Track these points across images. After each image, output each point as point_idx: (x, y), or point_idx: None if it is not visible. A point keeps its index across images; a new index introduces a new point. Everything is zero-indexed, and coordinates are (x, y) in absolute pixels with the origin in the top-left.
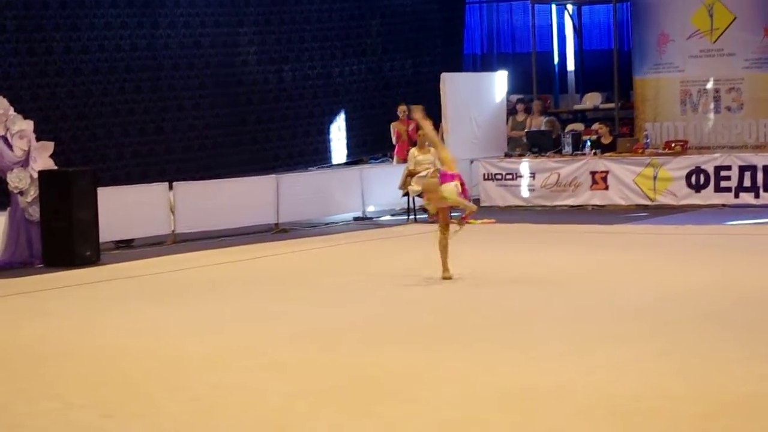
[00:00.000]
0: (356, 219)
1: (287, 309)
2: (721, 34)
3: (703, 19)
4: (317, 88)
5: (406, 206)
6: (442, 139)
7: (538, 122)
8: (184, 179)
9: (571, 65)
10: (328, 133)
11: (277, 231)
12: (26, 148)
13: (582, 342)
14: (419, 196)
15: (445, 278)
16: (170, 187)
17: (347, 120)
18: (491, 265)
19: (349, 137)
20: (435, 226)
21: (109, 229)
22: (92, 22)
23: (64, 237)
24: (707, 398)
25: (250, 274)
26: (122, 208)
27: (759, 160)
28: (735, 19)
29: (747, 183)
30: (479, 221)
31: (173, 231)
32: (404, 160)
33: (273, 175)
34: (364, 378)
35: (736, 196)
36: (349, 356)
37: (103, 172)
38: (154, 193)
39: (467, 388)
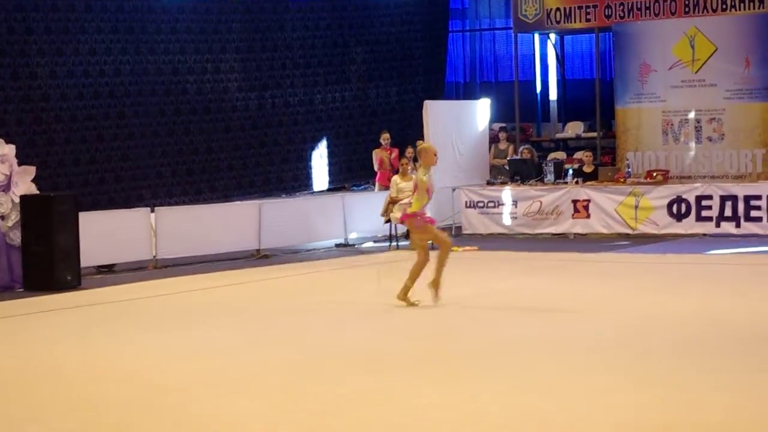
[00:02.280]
0: (338, 245)
1: (269, 335)
2: (703, 64)
3: (685, 50)
4: (298, 115)
5: (388, 233)
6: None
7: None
8: (163, 205)
9: (553, 94)
10: (309, 160)
11: (259, 257)
12: (8, 173)
13: (563, 371)
14: (401, 222)
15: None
16: (152, 212)
17: (329, 147)
18: (473, 292)
19: (331, 164)
20: (414, 253)
21: (91, 254)
22: (77, 47)
23: (45, 261)
24: (687, 428)
25: (232, 300)
26: (104, 232)
27: (740, 190)
28: (716, 50)
29: (728, 213)
30: (462, 248)
31: (155, 256)
32: (386, 187)
33: (255, 201)
34: (344, 405)
35: (717, 225)
36: (330, 384)
37: (84, 197)
38: (135, 218)
39: (448, 417)
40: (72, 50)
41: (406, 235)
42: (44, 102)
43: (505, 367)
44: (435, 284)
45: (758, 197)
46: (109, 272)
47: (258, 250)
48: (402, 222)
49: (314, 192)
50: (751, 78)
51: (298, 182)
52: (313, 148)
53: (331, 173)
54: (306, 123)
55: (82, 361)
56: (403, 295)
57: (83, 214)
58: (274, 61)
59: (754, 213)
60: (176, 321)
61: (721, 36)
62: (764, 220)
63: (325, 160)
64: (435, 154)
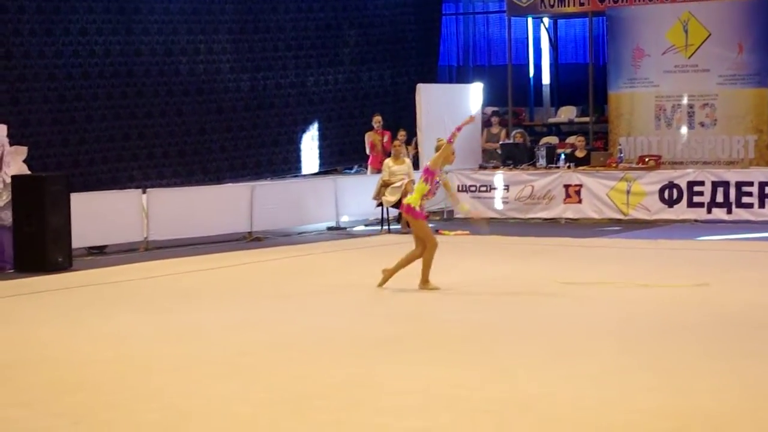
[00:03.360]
0: (330, 229)
1: (259, 318)
2: (696, 50)
3: (679, 35)
4: (290, 97)
5: (379, 216)
6: (417, 150)
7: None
8: (153, 186)
9: (546, 78)
10: (299, 142)
11: (251, 239)
12: None
13: (551, 355)
14: (394, 206)
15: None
16: (144, 194)
17: (322, 130)
18: (463, 277)
19: (323, 147)
20: (406, 237)
21: (82, 235)
22: (67, 27)
23: (37, 242)
24: (677, 413)
25: (223, 282)
26: (95, 214)
27: (732, 176)
28: (710, 35)
29: (720, 199)
30: (453, 233)
31: (146, 238)
32: (378, 171)
33: (247, 183)
34: (331, 388)
35: (709, 211)
36: (318, 366)
37: (74, 177)
38: (127, 199)
39: (433, 399)
40: (62, 30)
41: (398, 219)
42: (36, 82)
43: (492, 351)
44: (425, 283)
45: (750, 183)
46: (100, 253)
47: (250, 233)
48: (407, 213)
49: (306, 175)
50: (744, 63)
51: (289, 165)
52: (304, 131)
53: (323, 156)
54: (298, 105)
55: (72, 343)
56: (384, 281)
57: (75, 195)
58: (267, 43)
59: (745, 199)
60: (167, 303)
61: (715, 21)
62: (755, 206)
63: (317, 143)
64: (453, 152)
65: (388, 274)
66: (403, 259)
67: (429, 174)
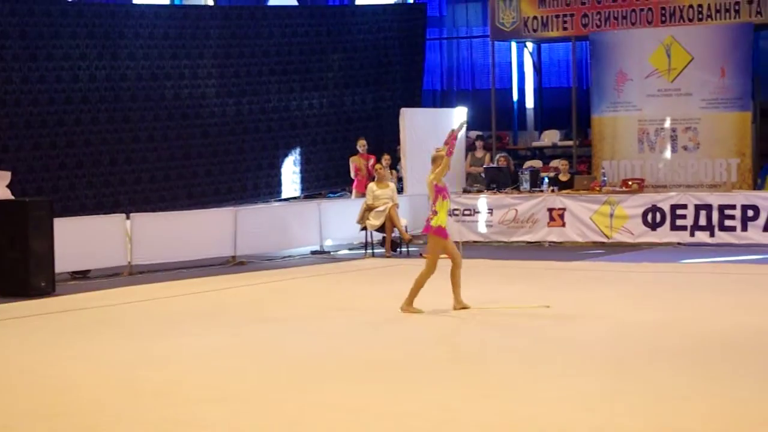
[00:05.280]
0: (314, 253)
1: (242, 342)
2: (679, 74)
3: (661, 59)
4: (274, 122)
5: (363, 240)
6: (396, 174)
7: (485, 158)
8: (136, 211)
9: (530, 102)
10: (280, 166)
11: (235, 263)
12: None
13: (537, 379)
14: (378, 230)
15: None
16: (127, 218)
17: (306, 154)
18: (448, 300)
19: (307, 171)
20: (390, 261)
21: (65, 260)
22: (51, 52)
23: (19, 267)
24: None
25: (207, 306)
26: (79, 238)
27: (714, 199)
28: (692, 59)
29: (702, 222)
30: None
31: (130, 263)
32: (363, 195)
33: (231, 208)
34: (319, 412)
35: (692, 234)
36: (305, 391)
37: (55, 202)
38: (111, 224)
39: (423, 425)
40: (45, 55)
41: (382, 243)
42: (17, 107)
43: (479, 374)
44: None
45: (732, 206)
46: (83, 278)
47: (233, 257)
48: (436, 235)
49: (290, 199)
50: (726, 87)
51: (273, 189)
52: (287, 155)
53: (307, 180)
54: (282, 129)
55: (53, 368)
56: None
57: (58, 219)
58: (252, 68)
59: (728, 222)
60: (151, 327)
61: (698, 45)
62: (738, 229)
63: (300, 167)
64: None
65: (456, 301)
66: (452, 280)
67: (441, 191)
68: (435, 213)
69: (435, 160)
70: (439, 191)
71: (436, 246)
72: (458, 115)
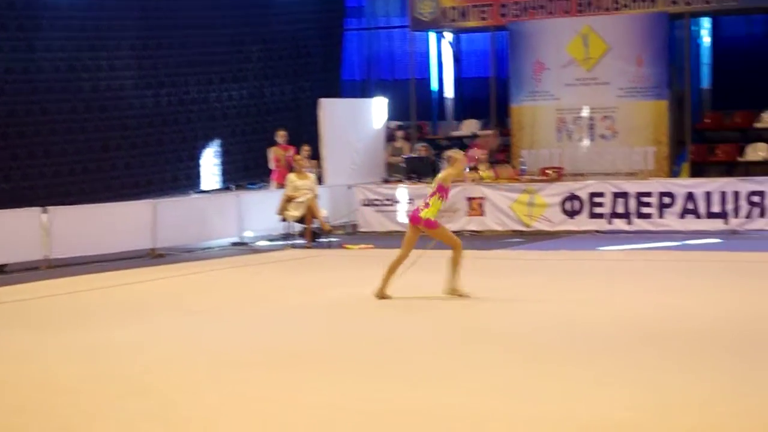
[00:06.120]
0: (234, 244)
1: (164, 334)
2: (596, 63)
3: (578, 49)
4: (192, 114)
5: (283, 231)
6: (319, 164)
7: (405, 148)
8: (56, 204)
9: (449, 92)
10: (200, 158)
11: (154, 256)
12: None
13: (448, 368)
14: (298, 221)
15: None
16: (44, 212)
17: (226, 145)
18: (369, 290)
19: (227, 163)
20: (311, 252)
21: None
22: None
23: None
24: (582, 421)
25: (126, 299)
26: None
27: (631, 187)
28: (609, 48)
29: (620, 209)
30: (357, 247)
31: (47, 256)
32: (282, 186)
33: (151, 200)
34: (239, 403)
35: (609, 222)
36: (225, 382)
37: None
38: (27, 217)
39: (339, 415)
40: None
41: (302, 234)
42: None
43: (395, 363)
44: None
45: (649, 194)
46: None
47: (153, 249)
48: (426, 227)
49: (210, 191)
50: (643, 76)
51: (193, 181)
52: (206, 147)
53: (227, 172)
54: (201, 121)
55: None
56: (452, 290)
57: None
58: (170, 59)
59: (644, 210)
60: (69, 321)
61: (614, 35)
62: (655, 216)
63: (220, 159)
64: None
65: (451, 287)
66: (450, 266)
67: (443, 191)
68: (427, 206)
69: (451, 160)
70: (441, 190)
71: (436, 233)
72: (378, 106)
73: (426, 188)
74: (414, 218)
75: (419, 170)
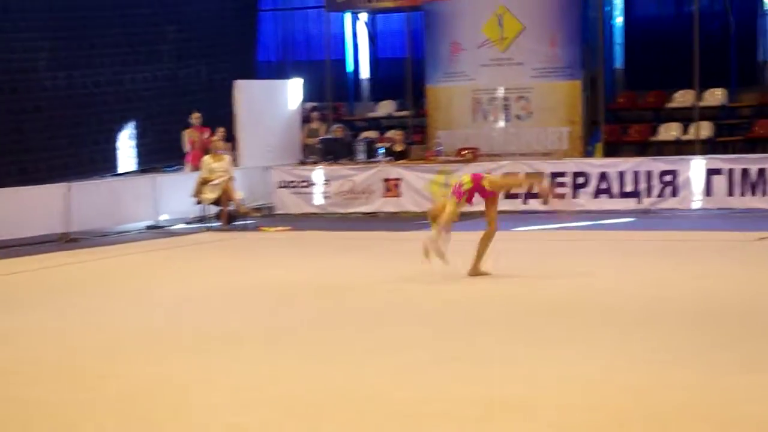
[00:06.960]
0: (149, 228)
1: (76, 319)
2: (511, 43)
3: (494, 29)
4: (108, 95)
5: (199, 214)
6: (234, 146)
7: (321, 129)
8: None
9: (365, 73)
10: (119, 141)
11: (67, 240)
12: None
13: (367, 349)
14: (214, 203)
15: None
16: None
17: (140, 128)
18: (285, 273)
19: (142, 145)
20: (227, 234)
21: None
22: None
23: None
24: (481, 400)
25: (37, 285)
26: None
27: (546, 167)
28: (524, 28)
29: (535, 189)
30: (273, 229)
31: None
32: (197, 168)
33: (64, 183)
34: (156, 387)
35: (525, 202)
36: (142, 365)
37: None
38: None
39: (257, 397)
40: None
41: (217, 216)
42: None
43: (310, 344)
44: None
45: (563, 174)
46: None
47: (65, 233)
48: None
49: (124, 174)
50: (557, 57)
51: (109, 164)
52: (121, 129)
53: (142, 154)
54: (116, 103)
55: None
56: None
57: None
58: (84, 40)
59: (559, 189)
60: None
61: (529, 15)
62: (569, 196)
63: (135, 141)
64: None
65: (475, 268)
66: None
67: (469, 194)
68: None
69: (510, 176)
70: (472, 191)
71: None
72: (293, 87)
73: (342, 169)
74: (484, 192)
75: (335, 151)
